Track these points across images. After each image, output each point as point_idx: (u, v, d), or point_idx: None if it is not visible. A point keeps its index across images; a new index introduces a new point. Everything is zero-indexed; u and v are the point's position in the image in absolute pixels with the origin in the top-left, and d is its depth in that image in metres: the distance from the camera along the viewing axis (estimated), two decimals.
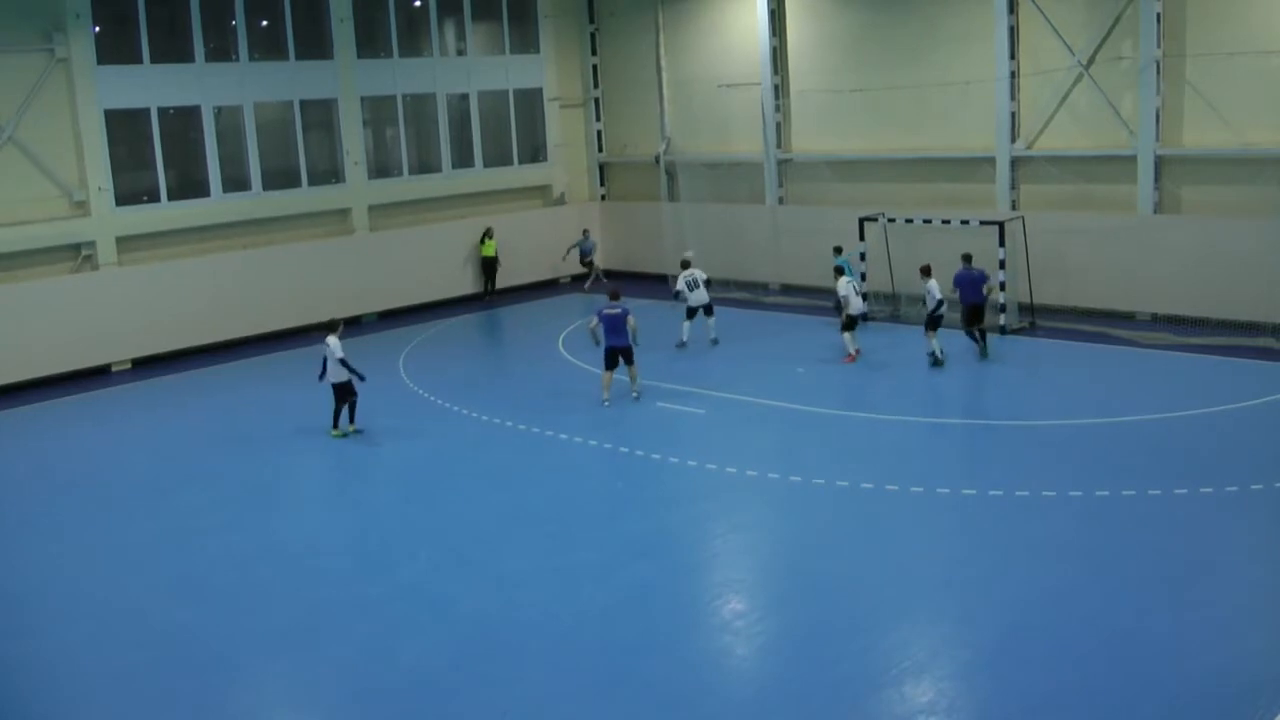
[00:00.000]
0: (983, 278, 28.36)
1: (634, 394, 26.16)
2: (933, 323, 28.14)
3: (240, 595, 17.17)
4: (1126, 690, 13.06)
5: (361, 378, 24.48)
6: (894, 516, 18.86)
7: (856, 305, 28.80)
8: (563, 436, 23.84)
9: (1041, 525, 18.07)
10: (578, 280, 42.00)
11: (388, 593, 16.98)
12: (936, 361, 27.79)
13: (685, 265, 31.11)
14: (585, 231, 41.86)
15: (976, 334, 28.46)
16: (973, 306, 28.25)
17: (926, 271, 28.69)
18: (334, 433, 24.76)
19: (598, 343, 26.07)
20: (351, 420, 24.82)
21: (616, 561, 17.60)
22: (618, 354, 25.81)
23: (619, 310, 25.79)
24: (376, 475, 22.88)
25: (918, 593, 16.15)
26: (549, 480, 21.62)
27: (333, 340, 24.18)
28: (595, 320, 25.95)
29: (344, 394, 24.49)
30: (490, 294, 39.74)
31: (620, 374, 26.05)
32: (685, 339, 30.51)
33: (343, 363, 24.05)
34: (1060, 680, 13.36)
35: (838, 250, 32.13)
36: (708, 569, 17.66)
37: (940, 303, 27.94)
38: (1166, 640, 14.13)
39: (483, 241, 39.53)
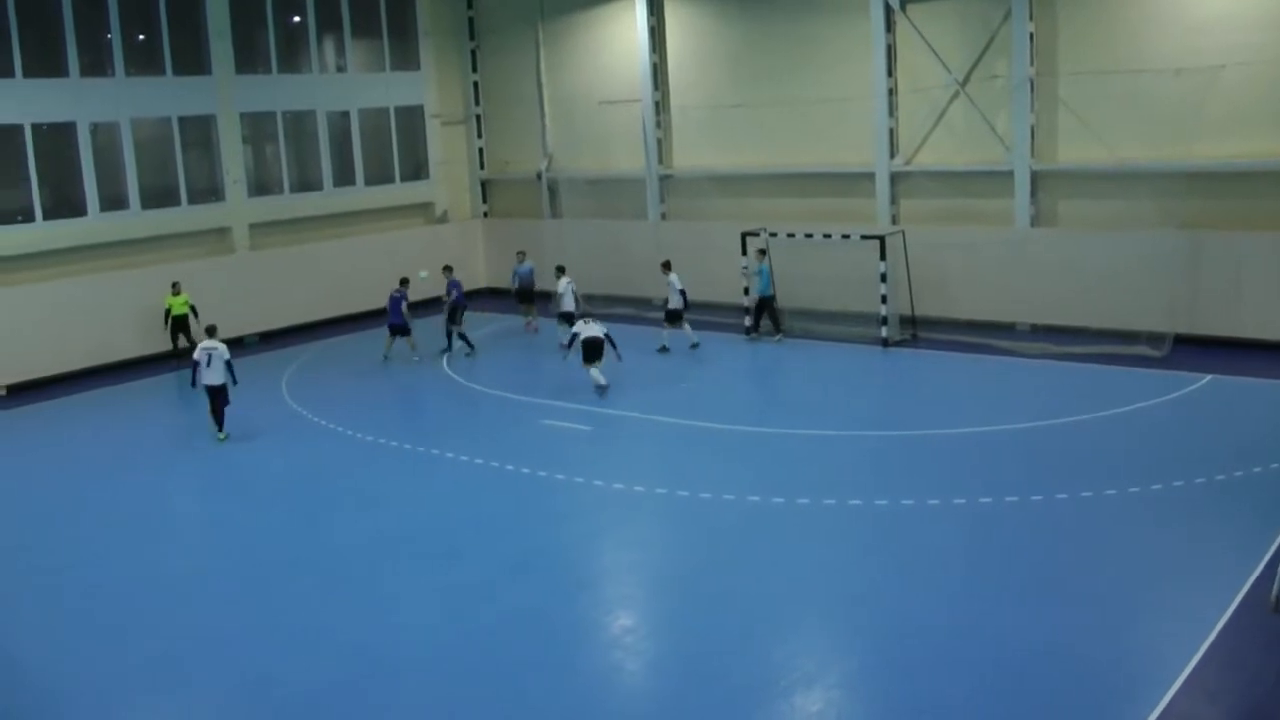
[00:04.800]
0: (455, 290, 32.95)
1: (414, 359, 32.09)
2: (671, 315, 31.71)
3: (117, 626, 16.76)
4: (1011, 693, 13.27)
5: (235, 381, 25.83)
6: (781, 529, 18.94)
7: (568, 303, 32.45)
8: (449, 455, 23.69)
9: (927, 534, 18.27)
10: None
11: (270, 617, 16.69)
12: (662, 349, 31.50)
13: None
14: (520, 254, 37.03)
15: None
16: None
17: (667, 266, 32.18)
18: (221, 436, 25.74)
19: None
20: (221, 425, 25.80)
21: (505, 580, 17.47)
22: (395, 330, 32.33)
23: (398, 295, 32.19)
24: (259, 498, 22.48)
25: (806, 604, 16.22)
26: (437, 499, 21.47)
27: (220, 343, 25.52)
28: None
29: (221, 396, 25.56)
30: (178, 352, 33.51)
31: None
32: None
33: (228, 364, 25.33)
34: (946, 687, 13.51)
35: (761, 253, 32.59)
36: (596, 585, 17.63)
37: (682, 294, 31.53)
38: (1050, 643, 14.32)
39: (173, 295, 33.94)
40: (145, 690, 14.87)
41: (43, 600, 17.92)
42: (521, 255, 36.82)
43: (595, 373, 27.23)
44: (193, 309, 33.72)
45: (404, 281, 32.58)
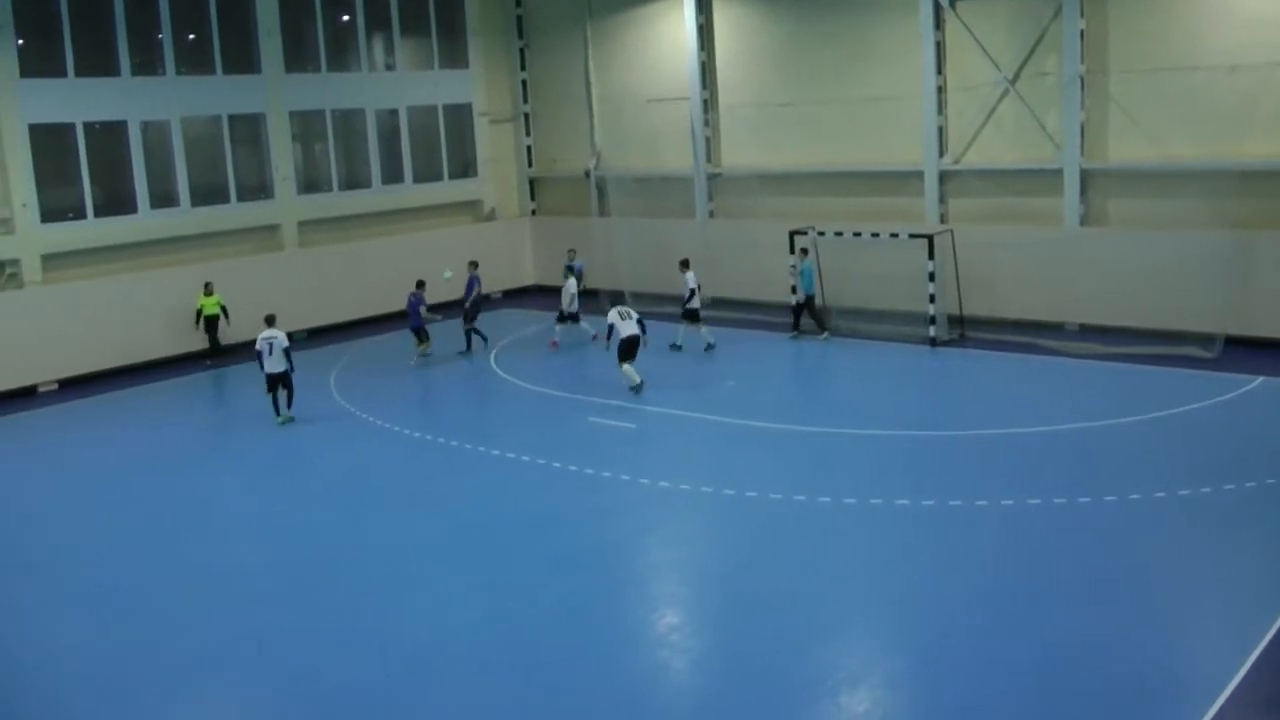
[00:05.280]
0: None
1: (411, 362, 31.99)
2: (689, 314, 31.55)
3: (165, 621, 16.89)
4: (1056, 696, 13.17)
5: (293, 368, 27.00)
6: (828, 528, 18.89)
7: (575, 305, 33.21)
8: (495, 453, 23.75)
9: (974, 534, 18.18)
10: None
11: (317, 614, 16.78)
12: (709, 347, 31.50)
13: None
14: (571, 252, 37.56)
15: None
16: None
17: (685, 265, 32.12)
18: (279, 419, 26.88)
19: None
20: (289, 406, 27.06)
21: (550, 578, 17.48)
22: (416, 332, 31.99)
23: (414, 299, 31.84)
24: (305, 494, 22.65)
25: (852, 603, 16.20)
26: (481, 497, 21.51)
27: (279, 331, 26.87)
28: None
29: (282, 382, 26.82)
30: (215, 354, 34.14)
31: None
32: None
33: (286, 352, 26.53)
34: (992, 687, 13.46)
35: (804, 252, 32.57)
36: (642, 584, 17.64)
37: (693, 293, 31.50)
38: (1096, 648, 14.20)
39: (204, 296, 33.91)
40: (190, 685, 14.95)
41: (87, 594, 18.10)
42: (572, 253, 37.08)
43: (630, 369, 27.18)
44: (223, 309, 33.80)
45: (420, 284, 32.29)
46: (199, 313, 33.79)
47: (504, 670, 14.66)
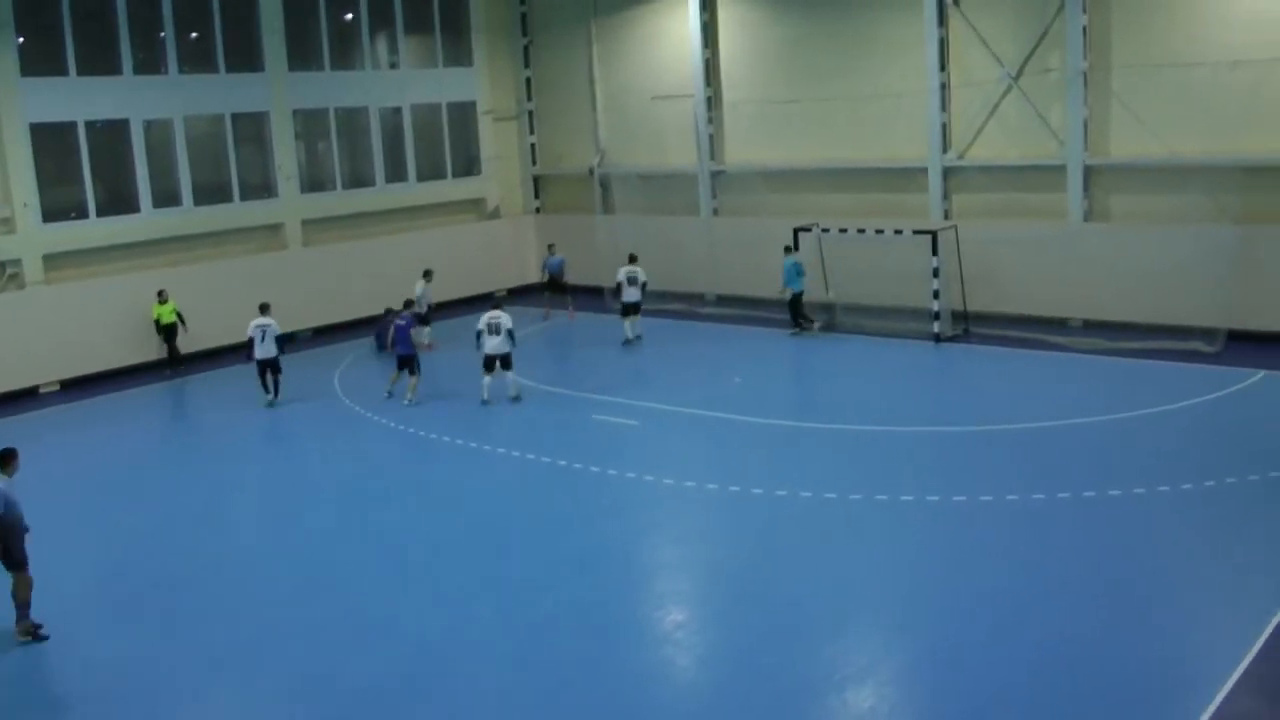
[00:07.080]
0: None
1: (406, 399, 27.71)
2: (628, 308, 32.77)
3: (178, 618, 16.91)
4: (1062, 691, 13.17)
5: (283, 353, 28.36)
6: (833, 524, 18.89)
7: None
8: (500, 451, 23.76)
9: (979, 529, 18.18)
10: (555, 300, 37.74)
11: (327, 612, 16.77)
12: (627, 340, 32.60)
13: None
14: (550, 246, 38.71)
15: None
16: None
17: (632, 259, 33.32)
18: (268, 402, 28.27)
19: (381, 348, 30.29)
20: (276, 392, 28.42)
21: (556, 576, 17.50)
22: (405, 361, 28.06)
23: (404, 321, 28.23)
24: (314, 494, 22.68)
25: (858, 600, 16.20)
26: (487, 495, 21.53)
27: (273, 320, 28.11)
28: (391, 329, 28.35)
29: (272, 367, 28.16)
30: (176, 364, 32.98)
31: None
32: (486, 396, 27.57)
33: (279, 339, 27.93)
34: (998, 683, 13.46)
35: (793, 248, 32.57)
36: (648, 581, 17.64)
37: (640, 287, 32.72)
38: (1101, 641, 14.22)
39: (159, 304, 32.84)
40: (200, 687, 14.94)
41: (102, 592, 18.17)
42: (551, 248, 37.96)
43: (487, 382, 27.24)
44: (180, 317, 33.06)
45: (408, 304, 30.12)
46: (157, 322, 32.92)
47: (511, 667, 14.68)
